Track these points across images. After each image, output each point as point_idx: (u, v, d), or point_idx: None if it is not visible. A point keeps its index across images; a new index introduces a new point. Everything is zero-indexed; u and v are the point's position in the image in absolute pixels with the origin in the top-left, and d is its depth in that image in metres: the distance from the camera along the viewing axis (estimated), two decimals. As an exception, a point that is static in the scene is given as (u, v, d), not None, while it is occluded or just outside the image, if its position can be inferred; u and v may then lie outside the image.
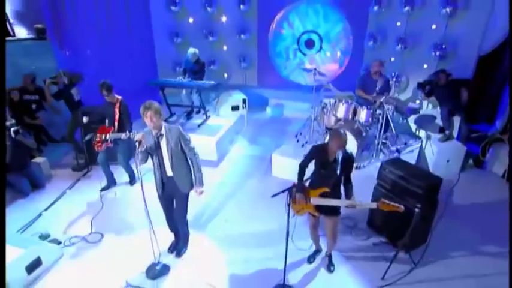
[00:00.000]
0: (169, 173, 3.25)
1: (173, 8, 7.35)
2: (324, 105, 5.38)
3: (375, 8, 6.63)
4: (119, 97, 4.42)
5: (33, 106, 5.88)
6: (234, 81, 8.56)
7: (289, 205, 2.94)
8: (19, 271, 3.22)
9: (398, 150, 5.31)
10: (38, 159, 5.15)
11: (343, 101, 4.94)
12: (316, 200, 3.08)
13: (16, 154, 4.63)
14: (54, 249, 3.61)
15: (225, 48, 8.19)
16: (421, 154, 5.63)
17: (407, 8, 6.02)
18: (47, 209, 4.44)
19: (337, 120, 5.16)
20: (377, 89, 5.07)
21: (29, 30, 6.35)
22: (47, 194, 4.78)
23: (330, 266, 3.49)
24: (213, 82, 6.24)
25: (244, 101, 6.93)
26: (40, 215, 4.31)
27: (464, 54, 5.60)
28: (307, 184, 3.23)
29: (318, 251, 3.66)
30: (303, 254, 3.62)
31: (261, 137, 6.59)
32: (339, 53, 7.84)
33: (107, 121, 4.43)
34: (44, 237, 3.80)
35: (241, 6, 7.63)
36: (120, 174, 5.04)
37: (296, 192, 3.07)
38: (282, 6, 7.98)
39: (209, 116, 6.55)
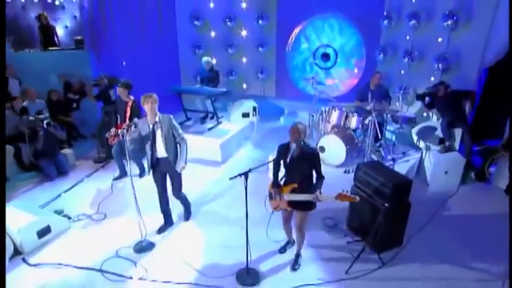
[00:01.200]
0: (163, 154, 3.87)
1: (196, 22, 8.12)
2: (321, 112, 5.66)
3: (385, 22, 6.84)
4: (132, 97, 5.07)
5: (74, 105, 6.84)
6: (252, 91, 9.08)
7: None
8: (31, 235, 3.87)
9: (393, 159, 5.42)
10: (66, 151, 5.99)
11: (336, 108, 5.22)
12: (287, 196, 3.38)
13: (47, 143, 5.48)
14: (64, 222, 4.26)
15: (244, 60, 8.78)
16: (421, 165, 5.67)
17: (413, 21, 6.18)
18: (66, 191, 5.17)
19: (333, 126, 5.42)
20: (370, 99, 5.28)
21: (71, 42, 7.41)
22: (69, 179, 5.54)
23: (294, 265, 3.64)
24: (224, 89, 6.82)
25: (254, 108, 7.40)
26: (59, 195, 5.04)
27: (467, 66, 5.64)
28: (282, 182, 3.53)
29: (289, 242, 3.92)
30: (277, 245, 3.91)
31: (268, 143, 6.97)
32: (355, 69, 8.11)
33: (118, 117, 5.11)
34: (58, 212, 4.47)
35: (260, 21, 8.20)
36: (133, 168, 5.67)
37: (272, 189, 3.44)
38: (299, 21, 8.46)
39: (221, 121, 7.08)
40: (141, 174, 5.61)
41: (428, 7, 6.08)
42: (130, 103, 4.97)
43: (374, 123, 4.92)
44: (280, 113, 8.77)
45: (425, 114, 6.35)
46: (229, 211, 4.64)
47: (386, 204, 3.61)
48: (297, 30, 8.57)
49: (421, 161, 5.69)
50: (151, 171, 3.98)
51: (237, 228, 4.12)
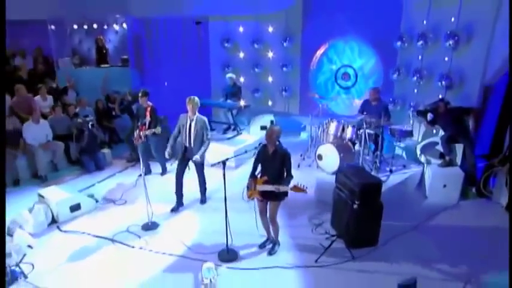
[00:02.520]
0: (192, 144, 4.93)
1: (226, 44, 9.16)
2: (322, 124, 6.19)
3: (398, 43, 7.26)
4: (150, 103, 6.05)
5: (114, 113, 8.13)
6: (277, 108, 9.80)
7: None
8: (65, 208, 4.90)
9: (391, 170, 5.74)
10: (105, 150, 7.17)
11: (335, 120, 5.74)
12: (259, 187, 4.00)
13: (90, 142, 6.66)
14: (91, 203, 5.27)
15: (270, 79, 9.60)
16: (422, 178, 5.90)
17: (421, 42, 6.55)
18: (100, 182, 6.24)
19: (334, 137, 5.93)
20: (370, 116, 5.73)
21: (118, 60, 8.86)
22: (104, 173, 6.63)
23: (271, 251, 4.18)
24: (243, 104, 7.66)
25: (272, 122, 8.09)
26: (93, 184, 6.11)
27: (469, 84, 5.83)
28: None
29: (268, 239, 4.35)
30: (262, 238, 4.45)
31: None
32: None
33: (140, 121, 6.06)
34: (89, 195, 5.49)
35: (285, 43, 9.02)
36: (158, 167, 6.61)
37: (249, 180, 4.09)
38: (322, 43, 9.13)
39: (241, 132, 7.88)
40: (163, 172, 6.52)
41: (434, 28, 6.43)
42: (149, 108, 5.91)
43: (366, 135, 5.33)
44: (301, 128, 9.34)
45: (434, 131, 6.54)
46: (232, 205, 5.28)
47: (356, 203, 4.06)
48: (320, 52, 9.23)
49: (422, 175, 5.93)
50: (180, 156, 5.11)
51: (231, 219, 4.75)
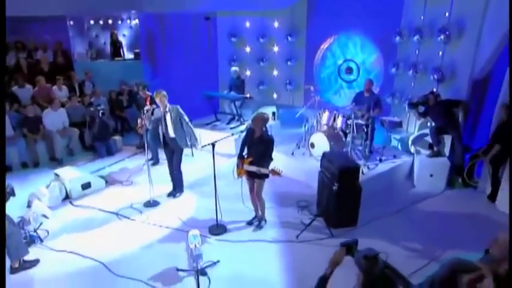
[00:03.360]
0: (172, 135, 5.23)
1: (233, 39, 9.61)
2: (317, 115, 6.56)
3: (397, 38, 7.50)
4: (149, 93, 6.54)
5: (124, 104, 8.73)
6: (282, 101, 10.19)
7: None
8: (77, 185, 5.51)
9: (380, 160, 6.06)
10: (116, 137, 7.79)
11: (327, 111, 6.11)
12: (246, 166, 4.45)
13: (101, 129, 7.28)
14: (101, 182, 5.87)
15: (275, 72, 10.00)
16: (412, 168, 6.20)
17: (417, 37, 6.79)
18: (110, 165, 6.86)
19: (329, 127, 6.29)
20: (364, 105, 6.07)
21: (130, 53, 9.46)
22: (114, 158, 7.25)
23: (258, 226, 4.67)
24: (247, 95, 8.10)
25: (273, 113, 8.50)
26: (104, 168, 6.73)
27: (460, 78, 6.04)
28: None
29: (256, 216, 4.80)
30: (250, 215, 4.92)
31: (281, 146, 7.96)
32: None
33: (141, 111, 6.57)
34: (100, 177, 6.09)
35: (289, 38, 9.39)
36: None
37: (237, 160, 4.56)
38: (326, 38, 9.43)
39: (244, 123, 8.33)
40: (154, 163, 6.88)
41: (430, 23, 6.65)
42: (148, 98, 6.42)
43: (354, 124, 5.67)
44: (305, 120, 9.68)
45: (428, 123, 6.77)
46: (225, 188, 5.74)
47: (336, 185, 4.45)
48: (323, 46, 9.54)
49: (412, 164, 6.23)
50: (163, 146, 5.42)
51: (225, 199, 5.21)
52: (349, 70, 9.34)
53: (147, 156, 5.50)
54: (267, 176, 4.37)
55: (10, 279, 3.73)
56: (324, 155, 4.91)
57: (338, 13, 8.86)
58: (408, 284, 2.40)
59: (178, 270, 3.83)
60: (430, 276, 2.95)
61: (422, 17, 7.00)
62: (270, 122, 8.47)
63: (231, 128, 8.02)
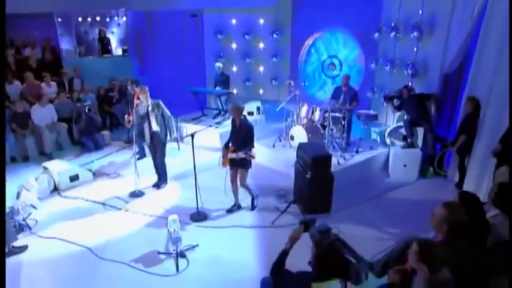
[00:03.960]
0: (156, 128, 5.46)
1: (219, 36, 9.85)
2: (298, 108, 6.85)
3: (376, 34, 7.81)
4: (137, 89, 6.76)
5: (114, 100, 8.94)
6: (268, 96, 10.46)
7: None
8: (65, 178, 5.75)
9: (357, 151, 6.38)
10: (104, 132, 8.01)
11: (306, 104, 6.40)
12: (229, 155, 4.75)
13: (88, 124, 7.49)
14: (88, 175, 6.11)
15: (261, 69, 10.26)
16: (388, 159, 6.53)
17: (393, 33, 7.10)
18: (98, 159, 7.08)
19: (308, 120, 6.58)
20: (341, 99, 6.37)
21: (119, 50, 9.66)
22: (102, 152, 7.47)
23: (251, 207, 5.09)
24: (230, 91, 8.38)
25: (258, 108, 8.78)
26: (92, 161, 6.96)
27: (432, 73, 6.38)
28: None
29: (235, 204, 5.11)
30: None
31: (264, 139, 8.23)
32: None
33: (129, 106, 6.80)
34: (87, 169, 6.33)
35: (275, 35, 9.65)
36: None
37: (222, 149, 4.85)
38: (310, 34, 9.72)
39: (229, 118, 8.58)
40: (140, 157, 7.01)
41: (406, 20, 6.96)
42: (136, 94, 6.65)
43: (330, 117, 5.97)
44: (285, 114, 9.96)
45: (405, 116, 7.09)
46: (209, 179, 6.03)
47: (309, 173, 4.75)
48: (308, 43, 9.83)
49: (388, 156, 6.56)
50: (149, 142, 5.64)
51: (208, 190, 5.49)
52: (333, 66, 9.65)
53: (135, 149, 5.76)
54: (249, 165, 4.68)
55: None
56: (300, 145, 5.21)
57: (322, 10, 9.14)
58: (357, 256, 2.69)
59: (159, 253, 4.11)
60: (387, 253, 3.28)
61: (399, 14, 7.31)
62: (255, 117, 8.85)
63: (216, 123, 8.28)
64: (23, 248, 4.21)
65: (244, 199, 5.21)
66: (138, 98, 6.12)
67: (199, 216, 4.85)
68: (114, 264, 3.99)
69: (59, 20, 9.24)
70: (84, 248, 4.26)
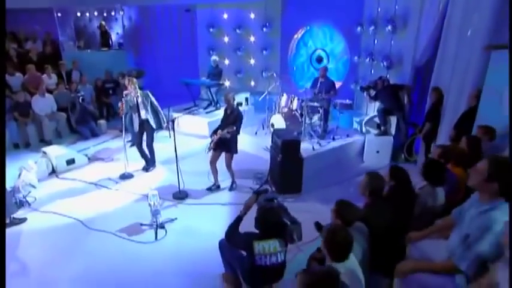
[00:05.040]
0: (144, 117, 5.97)
1: (211, 29, 10.31)
2: (279, 98, 7.32)
3: (358, 28, 8.22)
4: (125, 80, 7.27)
5: (111, 91, 9.47)
6: (259, 88, 10.92)
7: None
8: (62, 161, 6.31)
9: (333, 138, 6.85)
10: (100, 122, 8.56)
11: (285, 94, 6.87)
12: (214, 137, 5.27)
13: (82, 114, 8.04)
14: (84, 159, 6.67)
15: (252, 61, 10.71)
16: (363, 146, 6.99)
17: (372, 27, 7.51)
18: (94, 146, 7.64)
19: (290, 110, 7.05)
20: (317, 89, 6.83)
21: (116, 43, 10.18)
22: (98, 139, 8.03)
23: (230, 188, 5.59)
24: (220, 82, 8.86)
25: (246, 99, 9.26)
26: (89, 148, 7.51)
27: (405, 65, 6.80)
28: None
29: (215, 184, 5.65)
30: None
31: (249, 125, 8.70)
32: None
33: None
34: (84, 154, 6.89)
35: (264, 28, 10.08)
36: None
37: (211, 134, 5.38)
38: (299, 28, 10.13)
39: (219, 108, 9.08)
40: (132, 144, 7.55)
41: (384, 14, 7.36)
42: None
43: (306, 106, 6.44)
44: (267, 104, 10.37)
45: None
46: (194, 163, 6.55)
47: (280, 155, 5.24)
48: (297, 36, 10.24)
49: (364, 143, 7.01)
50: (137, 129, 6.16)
51: (193, 173, 6.01)
52: (320, 59, 10.06)
53: (124, 136, 6.29)
54: (235, 151, 5.27)
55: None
56: (274, 131, 5.70)
57: (310, 5, 9.54)
58: (293, 219, 3.18)
59: (141, 225, 4.65)
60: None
61: (379, 9, 7.71)
62: (244, 107, 9.33)
63: (207, 113, 8.79)
64: (22, 220, 4.78)
65: (224, 180, 5.73)
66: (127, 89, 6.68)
67: (180, 194, 5.38)
68: (102, 233, 4.54)
69: (59, 14, 9.75)
70: (75, 220, 4.82)
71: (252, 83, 10.99)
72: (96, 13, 10.45)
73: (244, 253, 3.03)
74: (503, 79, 4.03)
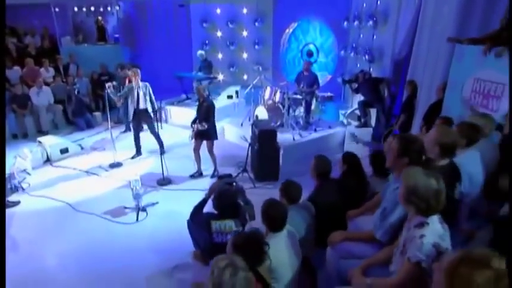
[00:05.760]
0: (143, 106, 6.36)
1: (205, 24, 10.62)
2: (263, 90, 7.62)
3: (345, 23, 8.47)
4: (129, 72, 7.64)
5: (106, 84, 9.82)
6: (252, 81, 11.20)
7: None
8: (56, 150, 6.70)
9: (315, 129, 7.14)
10: (96, 113, 8.95)
11: (269, 87, 7.18)
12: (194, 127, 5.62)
13: (78, 106, 8.43)
14: (77, 148, 7.07)
15: (244, 55, 11.01)
16: (345, 137, 7.28)
17: (356, 22, 7.76)
18: (89, 136, 8.04)
19: (273, 102, 7.35)
20: (302, 84, 7.12)
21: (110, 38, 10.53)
22: (93, 131, 8.43)
23: (213, 175, 5.92)
24: (211, 76, 9.18)
25: (236, 92, 9.57)
26: (83, 138, 7.91)
27: (386, 59, 7.06)
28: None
29: (198, 171, 6.01)
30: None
31: (237, 116, 9.01)
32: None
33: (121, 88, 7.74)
34: (78, 144, 7.28)
35: (256, 23, 10.36)
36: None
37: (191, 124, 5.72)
38: (290, 23, 10.39)
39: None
40: (126, 130, 8.13)
41: (367, 10, 7.61)
42: (127, 77, 7.55)
43: (287, 99, 6.73)
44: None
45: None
46: (181, 152, 6.91)
47: (257, 144, 5.57)
48: (288, 31, 10.51)
49: (345, 134, 7.31)
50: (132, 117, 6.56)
51: (178, 161, 6.37)
52: (310, 53, 10.34)
53: (110, 126, 6.69)
54: (214, 137, 5.61)
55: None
56: (253, 122, 6.01)
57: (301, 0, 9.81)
58: (248, 201, 3.51)
59: (125, 208, 5.02)
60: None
61: (364, 5, 7.96)
62: (234, 100, 9.66)
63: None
64: (16, 203, 5.18)
65: (208, 169, 6.09)
66: (130, 81, 7.08)
67: (164, 181, 5.75)
68: (88, 215, 4.93)
69: (56, 9, 10.12)
70: (65, 203, 5.22)
71: (245, 77, 11.31)
72: (92, 8, 10.79)
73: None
74: (464, 71, 4.33)
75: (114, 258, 4.13)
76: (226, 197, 3.27)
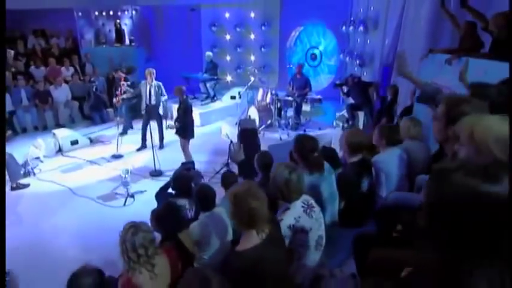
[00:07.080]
0: (154, 102, 7.10)
1: (214, 28, 11.22)
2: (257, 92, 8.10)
3: (343, 28, 8.76)
4: (123, 75, 8.36)
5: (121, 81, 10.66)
6: (257, 83, 11.71)
7: None
8: (67, 141, 7.51)
9: (304, 130, 7.53)
10: (109, 110, 9.78)
11: (262, 88, 7.64)
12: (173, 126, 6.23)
13: (96, 101, 9.27)
14: (86, 141, 7.86)
15: (252, 58, 11.51)
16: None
17: (351, 27, 8.05)
18: (100, 130, 8.85)
19: (265, 104, 7.83)
20: (292, 86, 7.54)
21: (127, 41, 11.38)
22: (106, 125, 9.24)
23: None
24: (216, 77, 9.77)
25: (239, 93, 10.07)
26: (95, 132, 8.73)
27: (375, 63, 7.31)
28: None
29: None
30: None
31: (234, 115, 9.52)
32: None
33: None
34: (88, 137, 8.09)
35: (263, 27, 10.84)
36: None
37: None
38: (296, 26, 10.79)
39: (215, 101, 10.01)
40: (123, 133, 8.70)
41: (362, 16, 7.88)
42: (122, 78, 8.26)
43: (277, 100, 7.17)
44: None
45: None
46: (178, 149, 7.51)
47: (238, 142, 6.06)
48: (294, 34, 10.91)
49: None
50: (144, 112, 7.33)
51: (175, 156, 6.96)
52: (314, 56, 10.68)
53: (117, 125, 7.43)
54: (190, 136, 6.15)
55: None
56: (239, 121, 6.51)
57: (306, 3, 10.17)
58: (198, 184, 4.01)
59: (116, 193, 5.68)
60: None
61: (361, 10, 8.22)
62: (237, 100, 10.18)
63: (202, 105, 9.74)
64: (26, 185, 5.97)
65: (201, 163, 6.65)
66: (126, 80, 7.81)
67: (156, 172, 6.36)
68: (84, 199, 5.63)
69: (79, 14, 11.09)
70: (67, 188, 5.95)
71: (252, 78, 11.76)
72: (111, 12, 11.70)
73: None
74: (426, 76, 4.61)
75: (100, 236, 4.76)
76: (180, 180, 3.80)
